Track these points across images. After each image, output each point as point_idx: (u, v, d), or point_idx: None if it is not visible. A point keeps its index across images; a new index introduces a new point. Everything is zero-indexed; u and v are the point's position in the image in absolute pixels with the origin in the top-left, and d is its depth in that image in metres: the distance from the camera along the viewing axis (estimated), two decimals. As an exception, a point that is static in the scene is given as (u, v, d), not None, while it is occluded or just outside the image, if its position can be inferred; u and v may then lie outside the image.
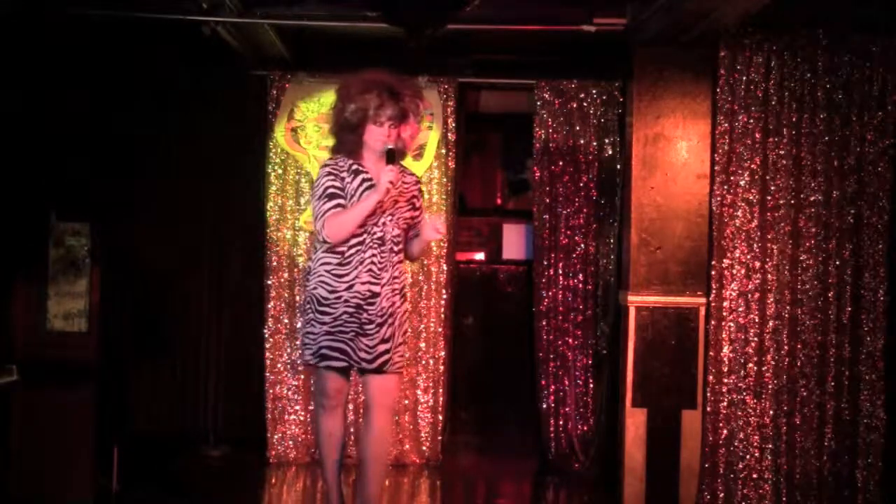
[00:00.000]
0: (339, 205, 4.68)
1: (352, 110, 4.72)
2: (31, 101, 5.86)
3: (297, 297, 7.08)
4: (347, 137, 4.78)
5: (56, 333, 5.85)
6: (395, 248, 4.77)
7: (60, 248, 5.88)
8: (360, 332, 4.68)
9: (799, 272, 6.08)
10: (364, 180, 4.73)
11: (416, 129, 4.96)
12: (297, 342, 7.00)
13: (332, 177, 4.74)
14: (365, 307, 4.68)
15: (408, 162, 5.10)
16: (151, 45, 6.70)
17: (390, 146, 4.70)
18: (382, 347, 4.71)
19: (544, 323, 7.07)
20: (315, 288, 4.72)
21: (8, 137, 5.73)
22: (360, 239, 4.69)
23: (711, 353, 6.07)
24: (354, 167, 4.77)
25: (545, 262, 7.06)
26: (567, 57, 7.03)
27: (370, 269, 4.69)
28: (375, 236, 4.71)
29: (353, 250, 4.69)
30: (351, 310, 4.67)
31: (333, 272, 4.69)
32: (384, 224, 4.74)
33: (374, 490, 4.79)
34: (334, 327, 4.67)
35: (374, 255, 4.70)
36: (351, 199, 4.70)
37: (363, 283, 4.68)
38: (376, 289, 4.69)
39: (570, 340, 7.03)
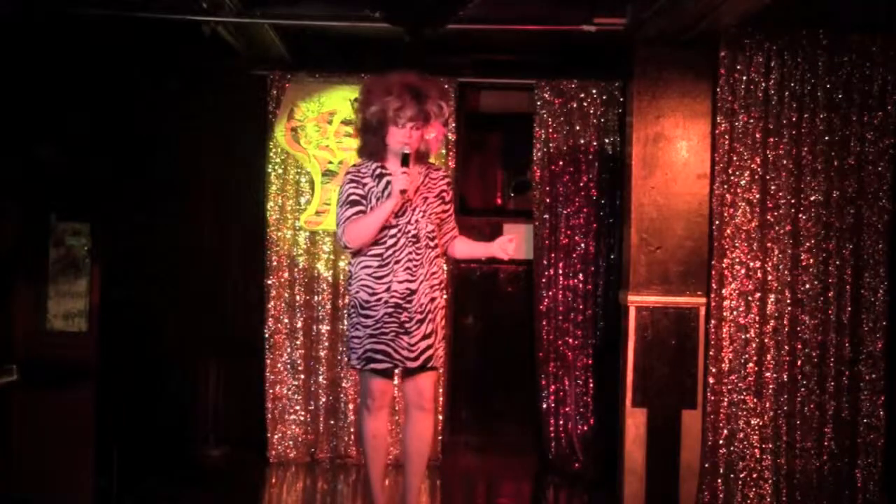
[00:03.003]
0: (359, 211, 4.77)
1: (371, 112, 4.76)
2: (32, 100, 5.85)
3: (297, 297, 7.09)
4: (370, 139, 4.83)
5: (56, 333, 5.85)
6: (431, 244, 4.81)
7: (60, 247, 5.88)
8: (402, 330, 4.73)
9: (799, 272, 6.08)
10: (388, 182, 4.79)
11: (442, 131, 4.99)
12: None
13: (353, 184, 4.81)
14: (404, 305, 4.73)
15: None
16: (151, 45, 6.69)
17: (406, 150, 4.73)
18: (424, 344, 4.76)
19: (544, 323, 7.07)
20: (357, 292, 4.79)
21: (8, 137, 5.73)
22: (396, 239, 4.75)
23: (711, 353, 6.07)
24: (378, 171, 4.82)
25: (545, 262, 7.07)
26: (567, 57, 7.03)
27: (407, 268, 4.74)
28: (410, 234, 4.76)
29: (390, 251, 4.75)
30: (391, 310, 4.73)
31: (374, 275, 4.75)
32: (416, 221, 4.78)
33: (414, 483, 4.91)
34: (376, 329, 4.74)
35: (410, 253, 4.76)
36: (377, 202, 4.76)
37: (401, 282, 4.73)
38: (414, 286, 4.74)
39: (571, 340, 7.03)
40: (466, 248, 5.05)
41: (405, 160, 4.71)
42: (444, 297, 4.95)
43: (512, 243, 4.88)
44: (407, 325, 4.73)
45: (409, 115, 4.71)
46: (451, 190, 4.99)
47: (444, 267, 5.04)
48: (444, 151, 7.02)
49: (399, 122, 4.71)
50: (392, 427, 7.02)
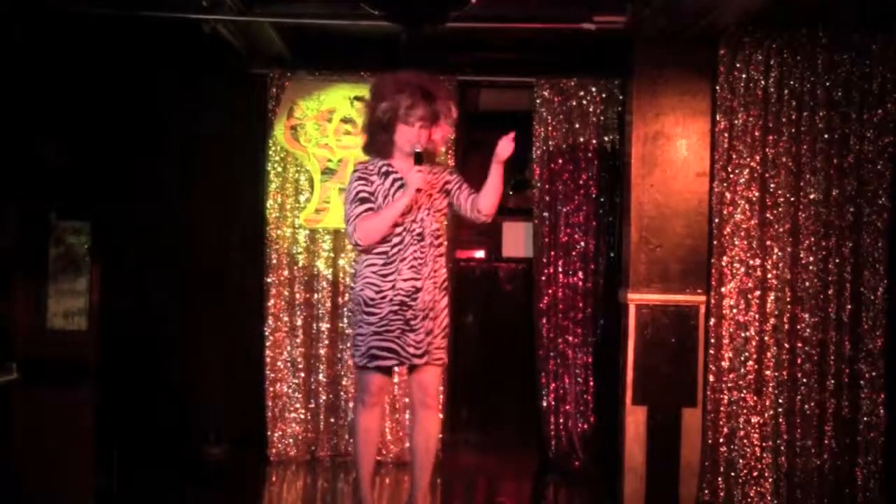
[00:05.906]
0: (369, 209, 4.81)
1: (383, 109, 4.81)
2: (32, 99, 5.85)
3: (297, 295, 7.09)
4: (378, 137, 4.88)
5: (56, 332, 5.85)
6: (435, 242, 4.86)
7: (60, 246, 5.88)
8: (407, 328, 4.77)
9: (799, 270, 6.09)
10: (395, 180, 4.84)
11: (448, 131, 5.05)
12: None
13: (362, 181, 4.85)
14: (409, 303, 4.77)
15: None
16: (151, 44, 6.69)
17: (418, 148, 4.78)
18: (427, 340, 4.80)
19: (544, 321, 7.06)
20: (361, 290, 4.82)
21: (8, 136, 5.72)
22: (401, 237, 4.80)
23: (711, 351, 6.08)
24: (384, 168, 4.87)
25: (545, 260, 7.06)
26: (567, 55, 7.02)
27: (412, 266, 4.79)
28: (415, 233, 4.81)
29: (395, 249, 4.79)
30: (396, 307, 4.77)
31: (379, 272, 4.80)
32: (422, 220, 4.83)
33: (422, 481, 4.94)
34: (381, 327, 4.77)
35: (415, 251, 4.80)
36: (385, 200, 4.81)
37: (406, 280, 4.78)
38: (418, 283, 4.78)
39: (571, 338, 7.03)
40: (489, 192, 4.88)
41: (419, 158, 4.76)
42: (447, 297, 4.95)
43: (507, 138, 4.80)
44: (412, 323, 4.77)
45: (420, 115, 4.77)
46: (452, 176, 5.00)
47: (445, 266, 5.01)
48: (443, 149, 7.01)
49: (409, 121, 4.78)
50: (392, 426, 7.04)
